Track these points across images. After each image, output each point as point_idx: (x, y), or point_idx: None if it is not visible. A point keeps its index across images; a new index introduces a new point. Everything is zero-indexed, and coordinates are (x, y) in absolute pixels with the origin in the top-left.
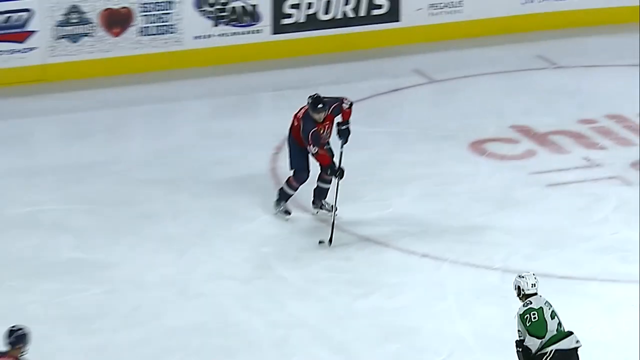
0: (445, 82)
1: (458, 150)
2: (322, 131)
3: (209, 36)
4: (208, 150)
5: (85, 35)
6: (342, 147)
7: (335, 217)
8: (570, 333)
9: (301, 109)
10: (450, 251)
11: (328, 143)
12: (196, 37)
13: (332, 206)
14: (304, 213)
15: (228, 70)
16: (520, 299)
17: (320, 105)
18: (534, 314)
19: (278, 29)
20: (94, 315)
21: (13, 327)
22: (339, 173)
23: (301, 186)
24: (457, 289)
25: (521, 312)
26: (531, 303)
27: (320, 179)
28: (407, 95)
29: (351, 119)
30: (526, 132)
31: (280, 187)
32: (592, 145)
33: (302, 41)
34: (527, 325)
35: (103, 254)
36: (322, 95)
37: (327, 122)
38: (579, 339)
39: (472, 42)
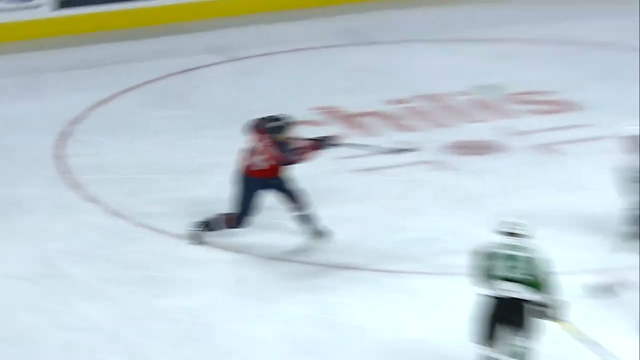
0: (244, 60)
1: None
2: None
3: None
4: None
5: None
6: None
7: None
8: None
9: (253, 144)
10: (254, 243)
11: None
12: None
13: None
14: (93, 204)
15: (6, 49)
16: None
17: (278, 121)
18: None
19: (60, 4)
20: None
21: None
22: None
23: None
24: (262, 286)
25: None
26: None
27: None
28: (202, 75)
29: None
30: (332, 113)
31: (214, 217)
32: (404, 127)
33: (87, 17)
34: None
35: None
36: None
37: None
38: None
39: (273, 16)
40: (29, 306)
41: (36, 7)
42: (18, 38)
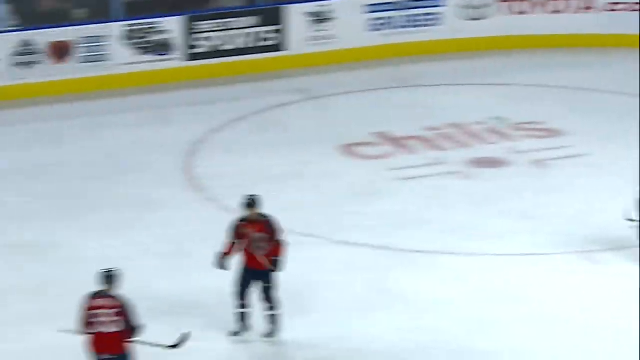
0: (319, 99)
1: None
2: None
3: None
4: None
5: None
6: None
7: None
8: None
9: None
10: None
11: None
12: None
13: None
14: (212, 202)
15: (144, 91)
16: None
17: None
18: None
19: (189, 56)
20: None
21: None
22: None
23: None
24: None
25: None
26: None
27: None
28: (290, 109)
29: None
30: (384, 136)
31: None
32: (436, 147)
33: (207, 66)
34: None
35: None
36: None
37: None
38: None
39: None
40: (161, 275)
41: (170, 59)
42: (154, 82)
